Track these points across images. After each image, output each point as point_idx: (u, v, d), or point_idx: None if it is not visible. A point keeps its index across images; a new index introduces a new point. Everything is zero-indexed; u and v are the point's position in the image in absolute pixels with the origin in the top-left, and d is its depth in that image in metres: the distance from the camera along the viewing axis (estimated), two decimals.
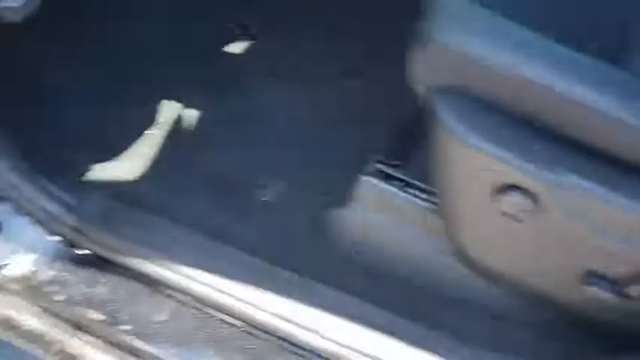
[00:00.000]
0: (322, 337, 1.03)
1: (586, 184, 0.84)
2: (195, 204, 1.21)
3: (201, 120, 1.39)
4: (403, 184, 1.10)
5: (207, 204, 1.22)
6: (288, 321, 1.04)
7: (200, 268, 1.07)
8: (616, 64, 0.88)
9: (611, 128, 0.81)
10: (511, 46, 0.83)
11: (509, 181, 0.87)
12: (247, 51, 1.51)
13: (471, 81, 0.85)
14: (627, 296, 0.88)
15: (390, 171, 1.12)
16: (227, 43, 1.52)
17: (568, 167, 0.84)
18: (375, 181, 1.10)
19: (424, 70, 0.88)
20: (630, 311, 0.90)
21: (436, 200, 1.05)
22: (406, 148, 1.17)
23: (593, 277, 0.90)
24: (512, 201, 0.87)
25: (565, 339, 1.01)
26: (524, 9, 0.89)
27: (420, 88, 0.91)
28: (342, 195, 1.15)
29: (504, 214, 0.89)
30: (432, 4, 0.87)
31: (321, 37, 1.50)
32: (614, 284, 0.89)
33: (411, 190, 1.09)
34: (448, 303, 1.07)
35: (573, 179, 0.84)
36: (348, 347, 1.03)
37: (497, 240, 0.96)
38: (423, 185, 1.09)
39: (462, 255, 1.03)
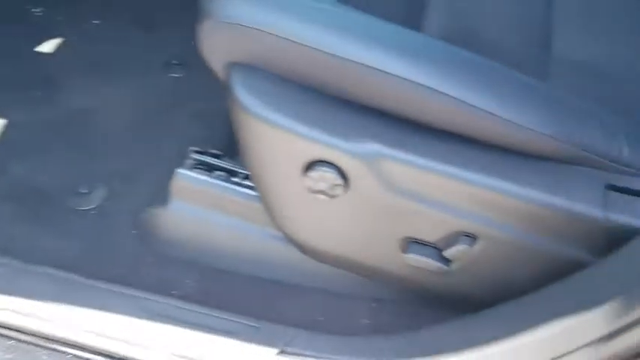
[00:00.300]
0: (153, 350, 0.95)
1: (392, 152, 0.80)
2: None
3: (11, 126, 1.26)
4: (226, 174, 1.03)
5: (13, 217, 1.10)
6: (115, 339, 0.95)
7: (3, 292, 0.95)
8: (413, 27, 0.86)
9: (407, 92, 0.77)
10: (291, 13, 0.78)
11: (315, 156, 0.82)
12: (59, 48, 1.39)
13: (259, 55, 0.80)
14: (445, 259, 0.86)
15: (210, 161, 1.05)
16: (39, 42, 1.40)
17: (371, 137, 0.80)
18: (191, 173, 1.02)
19: (212, 47, 0.82)
20: (451, 276, 0.88)
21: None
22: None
23: (411, 243, 0.87)
24: (321, 177, 0.82)
25: (399, 311, 0.98)
26: None
27: (214, 66, 0.85)
28: (166, 194, 1.07)
29: (316, 191, 0.84)
30: None
31: (141, 27, 1.40)
32: (432, 248, 0.86)
33: (236, 179, 1.03)
34: (284, 291, 1.02)
35: (378, 148, 0.80)
36: (183, 357, 0.95)
37: (315, 219, 0.91)
38: (244, 171, 1.03)
39: (289, 239, 0.98)
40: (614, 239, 0.78)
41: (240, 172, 1.03)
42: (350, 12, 0.83)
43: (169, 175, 1.09)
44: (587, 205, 0.78)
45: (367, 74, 0.76)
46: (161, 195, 1.07)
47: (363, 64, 0.77)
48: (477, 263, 0.86)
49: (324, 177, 0.82)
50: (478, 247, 0.84)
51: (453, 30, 0.91)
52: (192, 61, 1.30)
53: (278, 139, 0.83)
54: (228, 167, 1.05)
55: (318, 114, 0.82)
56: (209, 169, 1.05)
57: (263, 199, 0.95)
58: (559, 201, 0.79)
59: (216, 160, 1.06)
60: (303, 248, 0.97)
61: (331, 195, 0.84)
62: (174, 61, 1.36)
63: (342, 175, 0.82)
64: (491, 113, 0.77)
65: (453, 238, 0.84)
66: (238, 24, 0.79)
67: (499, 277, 0.87)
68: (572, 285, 0.75)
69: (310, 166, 0.83)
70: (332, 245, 0.94)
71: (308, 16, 0.79)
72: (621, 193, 0.79)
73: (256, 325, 0.94)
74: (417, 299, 1.01)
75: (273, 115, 0.81)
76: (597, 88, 0.88)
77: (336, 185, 0.83)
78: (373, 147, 0.80)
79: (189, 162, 1.05)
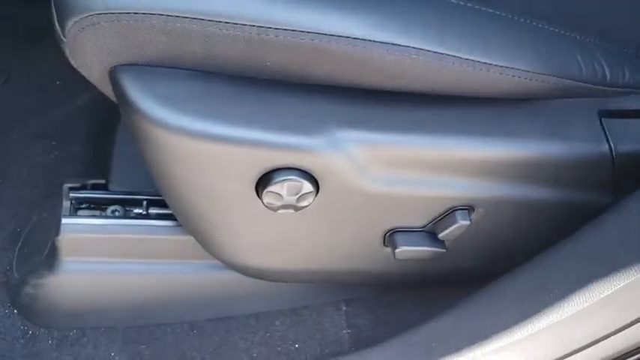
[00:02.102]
0: None
1: (362, 134, 0.64)
2: None
3: None
4: (122, 207, 0.81)
5: None
6: None
7: None
8: None
9: (361, 54, 0.60)
10: None
11: (271, 165, 0.63)
12: None
13: (158, 49, 0.59)
14: (440, 241, 0.73)
15: (96, 195, 0.81)
16: None
17: (333, 123, 0.63)
18: (77, 220, 0.78)
19: (88, 50, 0.59)
20: (445, 256, 0.75)
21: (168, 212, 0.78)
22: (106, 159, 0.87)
23: (397, 235, 0.72)
24: (285, 189, 0.64)
25: (373, 307, 0.84)
26: None
27: (91, 73, 0.62)
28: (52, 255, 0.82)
29: (280, 207, 0.66)
30: None
31: None
32: (423, 234, 0.73)
33: (139, 210, 0.80)
34: (244, 326, 0.83)
35: (344, 134, 0.63)
36: None
37: (278, 238, 0.72)
38: (145, 197, 0.81)
39: (236, 267, 0.79)
40: (620, 169, 0.69)
41: (142, 199, 0.81)
42: None
43: (45, 227, 0.84)
44: (588, 142, 0.68)
45: (304, 42, 0.58)
46: (42, 257, 0.82)
47: (298, 30, 0.58)
48: (476, 235, 0.73)
49: (289, 187, 0.64)
50: (475, 217, 0.71)
51: None
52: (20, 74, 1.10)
53: (215, 155, 0.62)
54: (124, 198, 0.82)
55: (260, 112, 0.62)
56: (98, 206, 0.82)
57: (193, 228, 0.75)
58: (557, 144, 0.68)
59: (103, 192, 0.82)
60: (256, 273, 0.79)
61: (299, 207, 0.66)
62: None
63: (311, 179, 0.64)
64: (458, 57, 0.62)
65: (446, 217, 0.70)
66: (123, 12, 0.57)
67: (500, 244, 0.76)
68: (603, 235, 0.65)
69: (266, 178, 0.64)
70: (298, 261, 0.76)
71: None
72: (616, 117, 0.70)
73: None
74: (386, 288, 0.88)
75: (204, 127, 0.60)
76: (541, 5, 0.77)
77: (306, 194, 0.65)
78: (340, 134, 0.63)
79: (68, 205, 0.80)
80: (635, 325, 0.61)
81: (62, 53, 0.62)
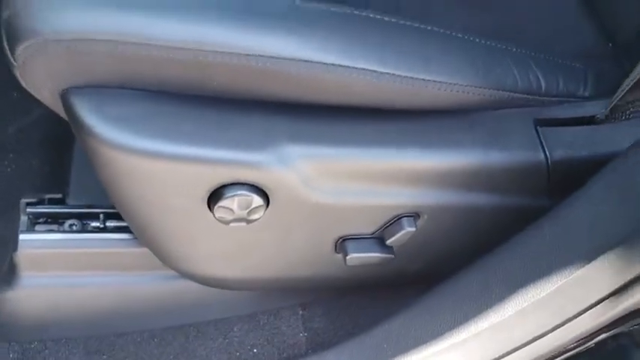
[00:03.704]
0: None
1: (308, 149, 0.66)
2: None
3: None
4: (79, 221, 0.82)
5: None
6: None
7: None
8: None
9: (300, 74, 0.62)
10: (133, 9, 0.59)
11: (222, 181, 0.65)
12: None
13: (105, 71, 0.61)
14: (388, 247, 0.76)
15: (54, 210, 0.83)
16: None
17: (279, 138, 0.65)
18: (36, 235, 0.80)
19: (39, 73, 0.61)
20: (394, 260, 0.78)
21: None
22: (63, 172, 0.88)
23: (347, 242, 0.75)
24: (235, 203, 0.66)
25: (328, 310, 0.87)
26: None
27: (42, 95, 0.64)
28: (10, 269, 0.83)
29: (231, 221, 0.68)
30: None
31: None
32: (372, 240, 0.76)
33: (96, 224, 0.82)
34: (203, 332, 0.85)
35: (291, 149, 0.65)
36: None
37: (230, 249, 0.75)
38: (102, 210, 0.82)
39: (192, 276, 0.81)
40: (554, 175, 0.73)
41: (99, 212, 0.82)
42: None
43: (2, 242, 0.85)
44: (524, 150, 0.72)
45: (247, 64, 0.60)
46: (1, 272, 0.83)
47: (241, 54, 0.61)
48: (422, 239, 0.76)
49: (239, 202, 0.66)
50: (421, 223, 0.74)
51: None
52: None
53: (167, 172, 0.64)
54: (81, 211, 0.83)
55: (207, 129, 0.64)
56: (55, 221, 0.83)
57: (148, 241, 0.77)
58: (496, 153, 0.71)
59: (60, 207, 0.83)
60: (213, 282, 0.81)
61: (249, 220, 0.68)
62: None
63: (261, 192, 0.66)
64: (398, 75, 0.65)
65: (393, 224, 0.73)
66: (73, 39, 0.58)
67: (444, 248, 0.79)
68: (545, 236, 0.68)
69: (217, 193, 0.66)
70: (253, 270, 0.79)
71: (157, 10, 0.60)
72: (551, 126, 0.74)
73: None
74: (340, 291, 0.91)
75: (154, 145, 0.63)
76: (486, 20, 0.80)
77: (256, 208, 0.67)
78: (287, 149, 0.65)
79: (25, 220, 0.82)
80: (568, 324, 0.65)
81: None
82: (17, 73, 0.62)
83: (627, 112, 0.76)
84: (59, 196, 0.84)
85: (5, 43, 0.61)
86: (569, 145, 0.72)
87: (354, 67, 0.62)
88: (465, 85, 0.68)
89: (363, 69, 0.63)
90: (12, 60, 0.61)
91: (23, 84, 0.63)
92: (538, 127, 0.73)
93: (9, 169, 1.00)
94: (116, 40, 0.58)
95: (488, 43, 0.73)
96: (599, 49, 0.83)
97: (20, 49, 0.59)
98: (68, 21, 0.58)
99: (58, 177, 0.89)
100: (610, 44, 0.84)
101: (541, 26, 0.83)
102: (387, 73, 0.64)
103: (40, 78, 0.62)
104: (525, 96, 0.72)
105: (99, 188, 0.74)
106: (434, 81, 0.66)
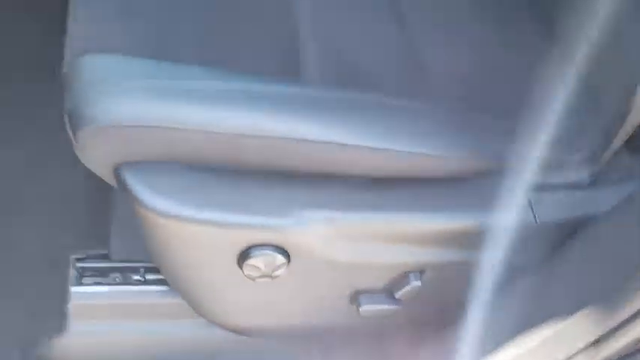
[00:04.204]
0: None
1: (325, 213, 0.76)
2: None
3: None
4: (121, 274, 0.92)
5: None
6: None
7: None
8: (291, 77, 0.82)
9: (316, 152, 0.73)
10: (178, 101, 0.70)
11: (250, 242, 0.75)
12: None
13: (153, 150, 0.71)
14: (397, 299, 0.85)
15: (99, 265, 0.93)
16: None
17: (300, 205, 0.75)
18: (85, 288, 0.90)
19: (96, 153, 0.72)
20: (403, 310, 0.87)
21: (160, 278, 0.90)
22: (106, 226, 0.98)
23: (361, 296, 0.84)
24: (261, 262, 0.76)
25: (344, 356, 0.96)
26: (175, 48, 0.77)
27: (99, 171, 0.74)
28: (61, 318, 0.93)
29: (257, 277, 0.78)
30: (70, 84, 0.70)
31: None
32: (382, 293, 0.85)
33: (137, 277, 0.92)
34: None
35: (310, 215, 0.75)
36: None
37: (257, 301, 0.84)
38: (142, 265, 0.92)
39: (223, 325, 0.90)
40: (542, 234, 0.81)
41: (140, 266, 0.93)
42: (231, 80, 0.75)
43: (52, 293, 0.95)
44: (516, 214, 0.81)
45: (264, 142, 0.71)
46: (53, 319, 0.93)
47: (256, 136, 0.72)
48: (428, 291, 0.85)
49: (265, 261, 0.76)
50: (426, 277, 0.83)
51: (332, 70, 0.87)
52: None
53: (204, 235, 0.75)
54: (123, 266, 0.93)
55: (238, 198, 0.75)
56: (101, 274, 0.93)
57: (184, 293, 0.87)
58: (490, 216, 0.80)
59: (105, 261, 0.94)
60: (240, 330, 0.90)
61: (274, 276, 0.78)
62: None
63: (283, 252, 0.76)
64: (401, 152, 0.76)
65: (401, 279, 0.83)
66: (127, 125, 0.69)
67: (448, 300, 0.88)
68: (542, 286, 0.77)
69: (245, 253, 0.76)
70: (277, 321, 0.88)
71: (196, 100, 0.71)
72: (540, 191, 0.83)
73: None
74: (355, 337, 1.00)
75: (194, 213, 0.73)
76: (473, 95, 0.90)
77: (279, 266, 0.77)
78: (305, 215, 0.75)
79: (74, 274, 0.92)
80: None
81: None
82: (77, 152, 0.73)
83: (610, 177, 0.85)
84: (104, 252, 0.95)
85: (68, 128, 0.72)
86: (555, 208, 0.81)
87: (365, 146, 0.73)
88: (460, 159, 0.78)
89: (373, 148, 0.73)
90: (74, 141, 0.72)
91: (82, 160, 0.74)
92: (528, 192, 0.82)
93: (55, 224, 1.10)
94: (164, 127, 0.69)
95: (480, 116, 0.83)
96: (586, 113, 0.92)
97: (81, 134, 0.70)
98: (122, 111, 0.69)
99: (101, 231, 0.99)
100: (596, 109, 0.92)
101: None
102: (395, 150, 0.74)
103: (97, 156, 0.73)
104: (512, 164, 0.81)
105: (138, 243, 0.84)
106: (433, 155, 0.76)
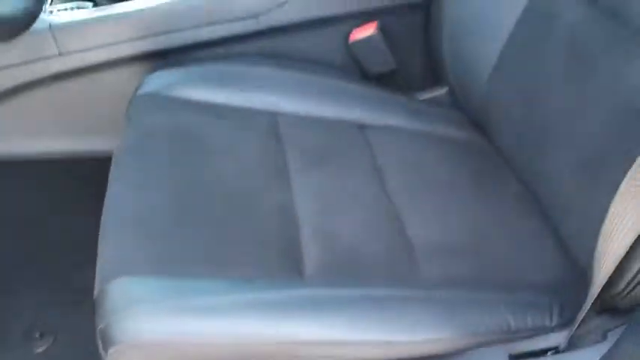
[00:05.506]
0: None
1: None
2: None
3: None
4: None
5: None
6: None
7: None
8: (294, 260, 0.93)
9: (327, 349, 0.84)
10: (193, 316, 0.83)
11: None
12: None
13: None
14: None
15: None
16: None
17: None
18: None
19: None
20: None
21: None
22: None
23: None
24: None
25: None
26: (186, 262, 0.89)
27: None
28: None
29: None
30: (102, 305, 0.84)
31: None
32: None
33: None
34: None
35: None
36: None
37: None
38: None
39: None
40: None
41: None
42: (236, 293, 0.86)
43: None
44: None
45: (272, 348, 0.83)
46: None
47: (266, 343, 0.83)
48: None
49: None
50: None
51: (332, 257, 0.96)
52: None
53: None
54: None
55: None
56: None
57: None
58: None
59: None
60: None
61: None
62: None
63: None
64: (395, 342, 0.85)
65: None
66: (150, 343, 0.81)
67: None
68: None
69: None
70: None
71: (208, 318, 0.83)
72: (520, 357, 0.91)
73: None
74: None
75: None
76: (460, 267, 0.97)
77: None
78: None
79: None
80: None
81: None
82: None
83: (587, 340, 0.91)
84: None
85: (100, 346, 0.84)
86: None
87: (361, 340, 0.84)
88: (446, 338, 0.87)
89: (368, 341, 0.84)
90: (104, 355, 0.83)
91: None
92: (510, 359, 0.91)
93: None
94: (181, 343, 0.81)
95: (464, 293, 0.92)
96: (564, 276, 1.00)
97: (111, 351, 0.82)
98: (143, 333, 0.82)
99: None
100: (573, 271, 1.00)
101: (515, 257, 1.00)
102: (390, 342, 0.85)
103: None
104: (498, 336, 0.90)
105: None
106: (416, 341, 0.86)
